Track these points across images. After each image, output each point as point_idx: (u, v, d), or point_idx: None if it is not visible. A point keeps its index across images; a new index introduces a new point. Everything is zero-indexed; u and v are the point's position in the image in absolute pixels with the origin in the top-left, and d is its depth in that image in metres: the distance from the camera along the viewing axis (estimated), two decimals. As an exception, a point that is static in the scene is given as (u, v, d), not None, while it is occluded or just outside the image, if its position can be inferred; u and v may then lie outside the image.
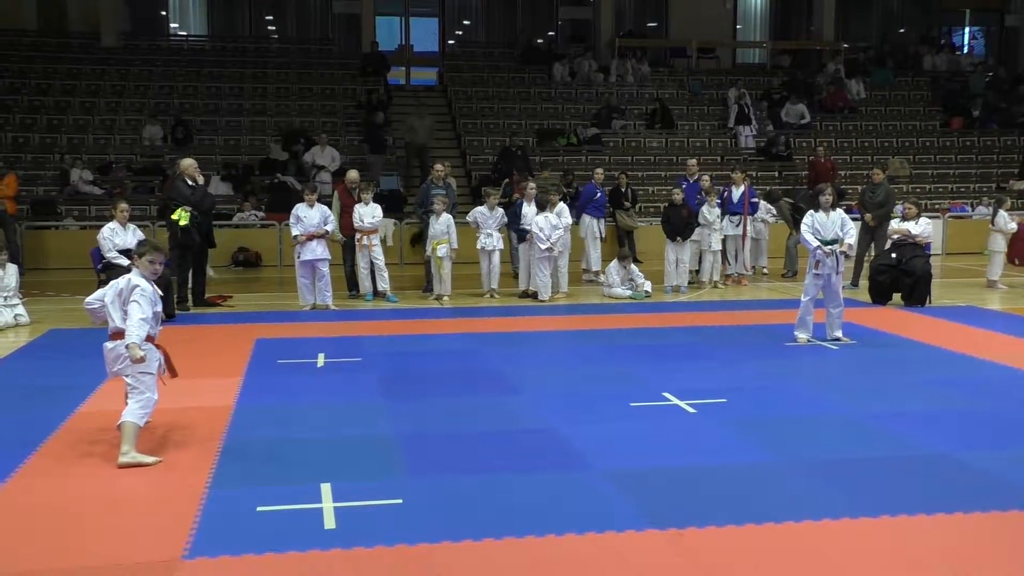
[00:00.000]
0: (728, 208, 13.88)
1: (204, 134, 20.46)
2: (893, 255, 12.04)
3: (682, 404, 7.04)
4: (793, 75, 24.69)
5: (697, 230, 13.48)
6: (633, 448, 6.01)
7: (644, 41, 26.05)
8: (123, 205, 10.98)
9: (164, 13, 25.43)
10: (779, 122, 22.72)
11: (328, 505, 4.92)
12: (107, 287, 5.93)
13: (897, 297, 12.05)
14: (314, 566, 4.25)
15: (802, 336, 9.48)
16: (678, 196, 13.37)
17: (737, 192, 14.09)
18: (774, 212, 15.44)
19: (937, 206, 20.04)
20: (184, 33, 25.62)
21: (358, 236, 12.25)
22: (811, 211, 9.66)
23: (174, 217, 11.33)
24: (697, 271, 14.03)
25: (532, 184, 13.20)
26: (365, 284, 12.46)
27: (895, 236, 12.17)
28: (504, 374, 8.14)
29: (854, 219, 10.30)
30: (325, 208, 11.95)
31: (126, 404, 5.78)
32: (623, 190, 16.22)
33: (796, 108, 22.78)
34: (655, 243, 15.00)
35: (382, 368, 8.37)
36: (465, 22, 27.14)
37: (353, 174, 12.83)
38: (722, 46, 26.78)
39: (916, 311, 11.54)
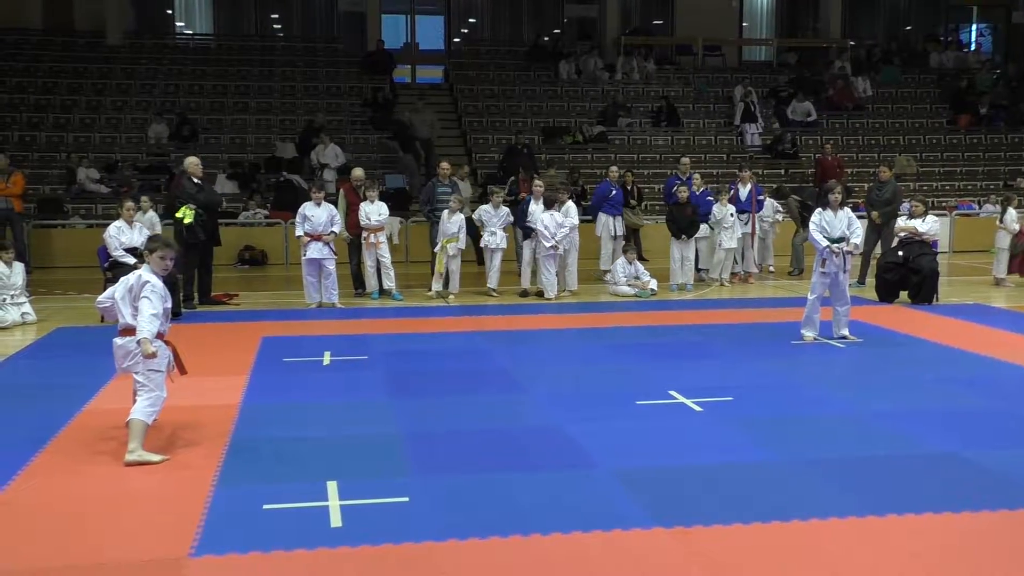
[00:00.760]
0: (736, 206, 13.86)
1: (210, 132, 20.48)
2: (900, 253, 12.01)
3: (688, 402, 7.03)
4: (799, 73, 24.64)
5: (703, 228, 13.47)
6: (639, 446, 6.00)
7: (650, 39, 25.99)
8: (129, 204, 10.99)
9: (170, 12, 25.43)
10: (785, 120, 22.67)
11: (334, 503, 4.92)
12: (117, 284, 5.94)
13: (904, 295, 12.02)
14: (321, 564, 4.25)
15: (809, 334, 9.46)
16: (683, 194, 13.36)
17: (744, 190, 14.07)
18: (780, 209, 15.41)
19: (944, 204, 19.99)
20: (190, 32, 25.63)
21: (365, 234, 12.26)
22: (819, 209, 9.64)
23: (178, 215, 11.35)
24: (706, 269, 14.02)
25: (539, 182, 13.19)
26: (372, 282, 12.47)
27: (902, 234, 12.14)
28: (510, 372, 8.13)
29: (860, 217, 10.28)
30: (332, 207, 11.96)
31: (134, 401, 5.78)
32: (628, 188, 16.17)
33: (803, 106, 22.74)
34: (660, 241, 14.98)
35: (388, 366, 8.38)
36: (471, 20, 27.12)
37: (358, 172, 12.84)
38: (728, 44, 26.71)
39: (923, 309, 11.51)
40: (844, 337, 9.47)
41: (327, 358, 8.70)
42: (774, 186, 17.38)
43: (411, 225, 17.11)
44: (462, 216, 12.48)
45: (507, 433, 6.34)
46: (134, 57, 22.45)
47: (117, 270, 10.49)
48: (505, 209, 12.94)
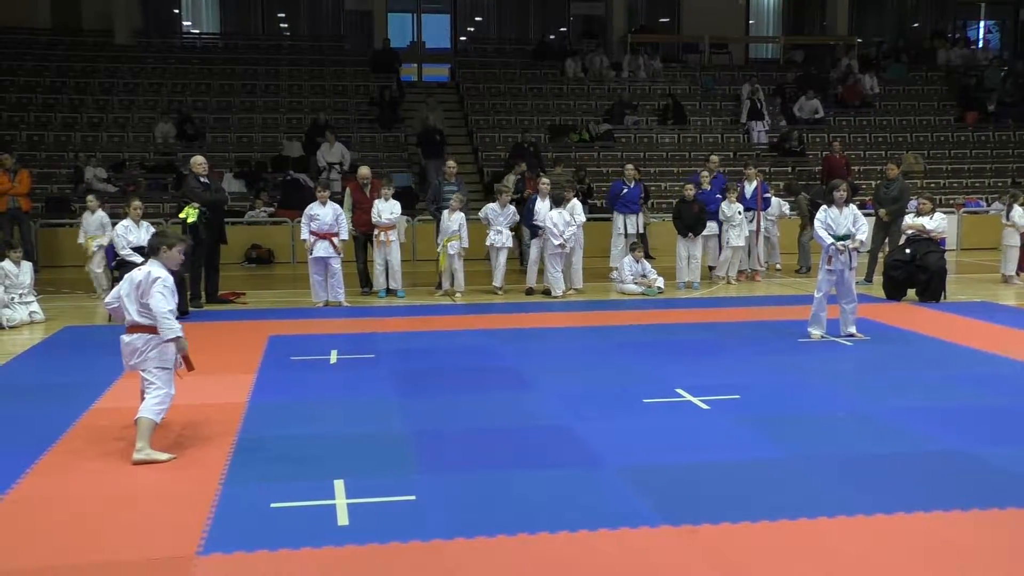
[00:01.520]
0: (742, 204, 13.84)
1: (216, 131, 20.52)
2: (907, 251, 11.98)
3: (695, 400, 7.02)
4: (807, 70, 24.58)
5: (712, 226, 13.45)
6: (646, 444, 5.99)
7: (656, 36, 25.98)
8: (136, 203, 11.02)
9: (177, 11, 25.49)
10: (792, 117, 22.63)
11: (341, 501, 4.93)
12: (122, 281, 5.93)
13: (911, 293, 11.99)
14: (328, 562, 4.26)
15: (816, 332, 9.45)
16: (690, 192, 13.34)
17: (750, 188, 14.05)
18: (784, 205, 15.37)
19: (952, 201, 19.93)
20: (197, 31, 25.69)
21: (376, 232, 12.28)
22: (824, 206, 9.62)
23: (182, 215, 11.38)
24: (712, 267, 14.01)
25: (545, 180, 13.19)
26: (380, 280, 12.49)
27: (909, 232, 12.11)
28: (517, 370, 8.13)
29: (868, 215, 10.25)
30: (337, 207, 11.97)
31: (142, 399, 5.79)
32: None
33: (810, 103, 22.70)
34: (667, 239, 14.97)
35: (395, 364, 8.38)
36: (477, 18, 27.13)
37: (364, 170, 12.85)
38: (735, 41, 26.68)
39: (931, 307, 11.48)
40: (851, 335, 9.46)
41: (334, 357, 8.71)
42: (779, 185, 17.35)
43: (417, 224, 17.12)
44: (462, 215, 12.49)
45: (514, 431, 6.34)
46: (141, 57, 22.52)
47: (124, 269, 10.52)
48: (511, 208, 12.94)
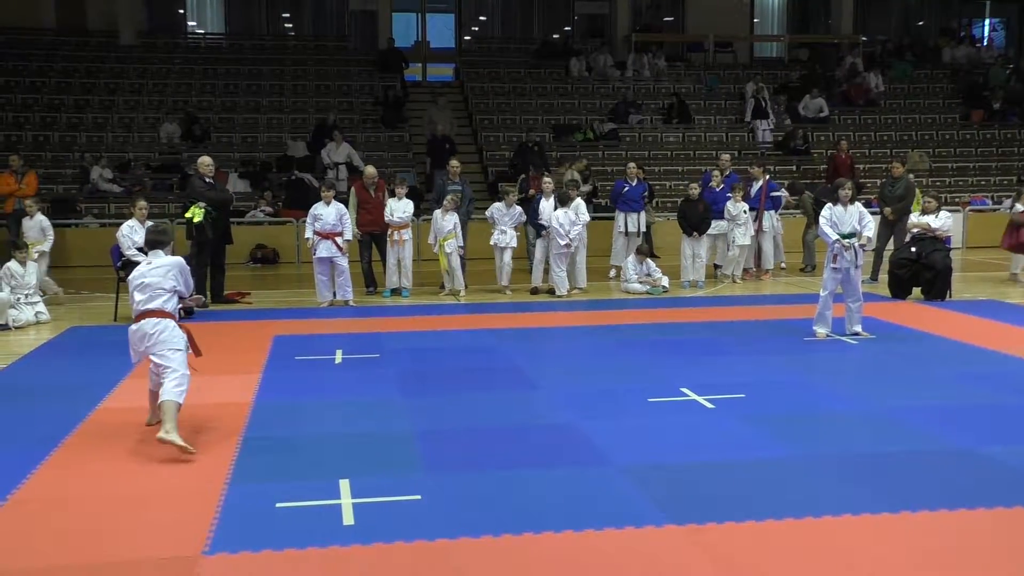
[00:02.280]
0: (748, 203, 13.82)
1: (222, 131, 20.54)
2: (913, 249, 11.96)
3: (700, 399, 7.02)
4: (811, 69, 24.55)
5: (721, 225, 13.45)
6: (651, 443, 6.00)
7: (661, 36, 25.96)
8: (142, 203, 11.02)
9: (182, 11, 25.52)
10: (797, 116, 22.60)
11: (347, 501, 4.94)
12: (134, 278, 6.05)
13: (917, 291, 11.97)
14: (333, 562, 4.27)
15: (821, 331, 9.44)
16: (694, 191, 13.33)
17: (755, 187, 14.02)
18: (786, 201, 15.32)
19: (957, 199, 19.89)
20: (202, 31, 25.72)
21: (389, 231, 12.30)
22: (829, 204, 9.61)
23: (188, 215, 11.39)
24: (719, 266, 14.00)
25: (549, 179, 13.18)
26: (392, 279, 12.49)
27: (915, 230, 12.09)
28: (521, 369, 8.14)
29: (873, 213, 10.23)
30: (341, 206, 11.97)
31: (153, 388, 5.98)
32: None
33: (814, 102, 22.67)
34: (672, 238, 14.96)
35: (400, 364, 8.39)
36: (481, 18, 27.13)
37: (371, 170, 12.86)
38: (739, 40, 26.64)
39: (936, 305, 11.47)
40: (857, 333, 9.45)
41: (339, 356, 8.72)
42: (783, 183, 17.30)
43: (421, 223, 17.12)
44: (456, 215, 12.49)
45: (519, 431, 6.34)
46: (146, 57, 22.54)
47: (129, 269, 10.53)
48: (518, 208, 12.93)
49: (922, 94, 24.36)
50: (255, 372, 8.02)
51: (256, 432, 6.27)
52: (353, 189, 12.91)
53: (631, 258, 13.10)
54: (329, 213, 11.75)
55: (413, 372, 8.09)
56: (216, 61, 22.96)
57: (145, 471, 5.50)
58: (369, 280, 12.78)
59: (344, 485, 5.15)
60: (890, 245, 13.26)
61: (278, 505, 4.90)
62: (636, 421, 6.53)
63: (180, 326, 6.03)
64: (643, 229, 14.13)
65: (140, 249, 10.50)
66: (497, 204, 13.05)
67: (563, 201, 12.53)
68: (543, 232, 12.58)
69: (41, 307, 10.85)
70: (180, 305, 6.19)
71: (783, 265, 15.17)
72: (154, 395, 6.16)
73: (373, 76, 22.69)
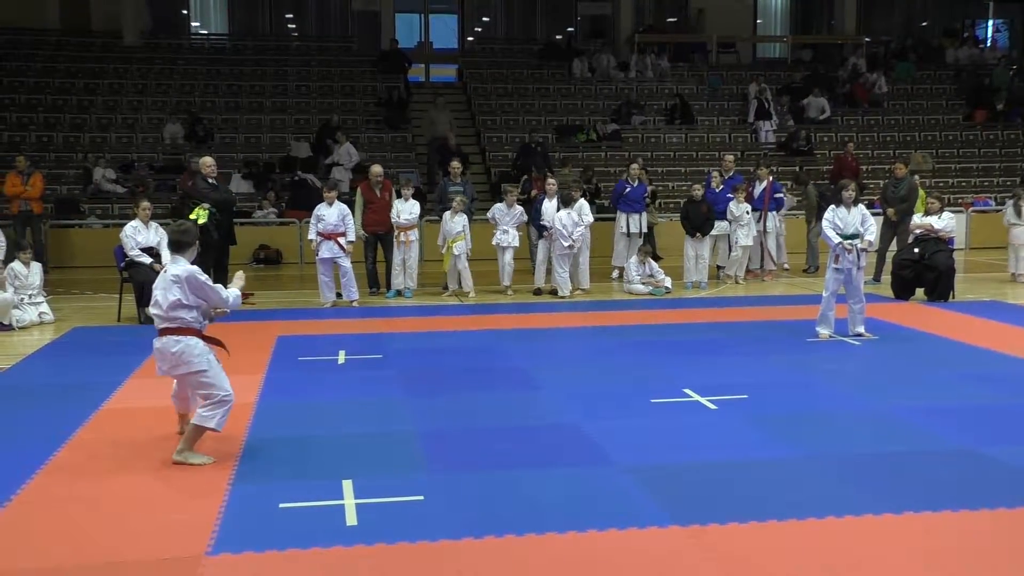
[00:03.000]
0: (752, 204, 13.82)
1: (225, 132, 20.56)
2: (916, 250, 11.96)
3: (703, 400, 7.02)
4: (814, 69, 24.54)
5: (723, 225, 13.45)
6: (654, 444, 6.00)
7: (663, 36, 25.95)
8: (145, 203, 11.04)
9: (185, 12, 25.56)
10: (800, 117, 22.59)
11: (350, 502, 4.94)
12: (164, 289, 5.66)
13: (920, 292, 11.96)
14: (336, 562, 4.27)
15: (824, 332, 9.43)
16: (698, 192, 13.33)
17: (759, 187, 14.01)
18: (788, 197, 15.29)
19: (960, 200, 19.88)
20: (205, 32, 25.76)
21: (396, 232, 12.32)
22: (832, 206, 9.61)
23: (192, 216, 11.38)
24: (721, 267, 14.00)
25: (552, 180, 13.19)
26: (397, 280, 12.51)
27: (918, 231, 12.08)
28: (524, 370, 8.14)
29: (875, 214, 10.22)
30: (344, 207, 11.99)
31: (184, 407, 5.92)
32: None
33: (817, 102, 22.66)
34: (675, 239, 14.96)
35: (403, 365, 8.40)
36: (484, 19, 27.14)
37: (377, 168, 12.88)
38: (742, 41, 26.64)
39: (939, 306, 11.46)
40: (859, 334, 9.44)
41: (342, 357, 8.73)
42: (794, 172, 17.26)
43: (425, 224, 17.12)
44: (464, 216, 12.51)
45: (522, 431, 6.35)
46: (150, 57, 22.59)
47: (133, 270, 10.56)
48: (519, 208, 12.93)
49: (925, 95, 24.35)
50: (258, 373, 8.03)
51: (259, 433, 6.28)
52: (359, 189, 12.93)
53: (633, 259, 13.10)
54: (331, 214, 11.76)
55: (416, 373, 8.10)
56: (219, 62, 22.99)
57: (148, 471, 5.51)
58: (372, 281, 12.79)
59: (347, 486, 5.15)
60: (893, 246, 13.25)
61: (281, 506, 4.91)
62: (639, 422, 6.53)
63: (204, 338, 5.73)
64: (644, 230, 14.12)
65: (144, 249, 10.55)
66: (499, 205, 13.05)
67: (566, 202, 12.53)
68: (545, 233, 12.59)
69: (45, 307, 10.86)
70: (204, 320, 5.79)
71: (786, 266, 15.16)
72: (182, 416, 6.04)
73: (376, 77, 22.71)
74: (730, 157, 15.16)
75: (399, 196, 12.49)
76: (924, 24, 28.83)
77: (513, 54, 25.00)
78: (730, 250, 13.82)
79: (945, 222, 11.98)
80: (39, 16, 22.82)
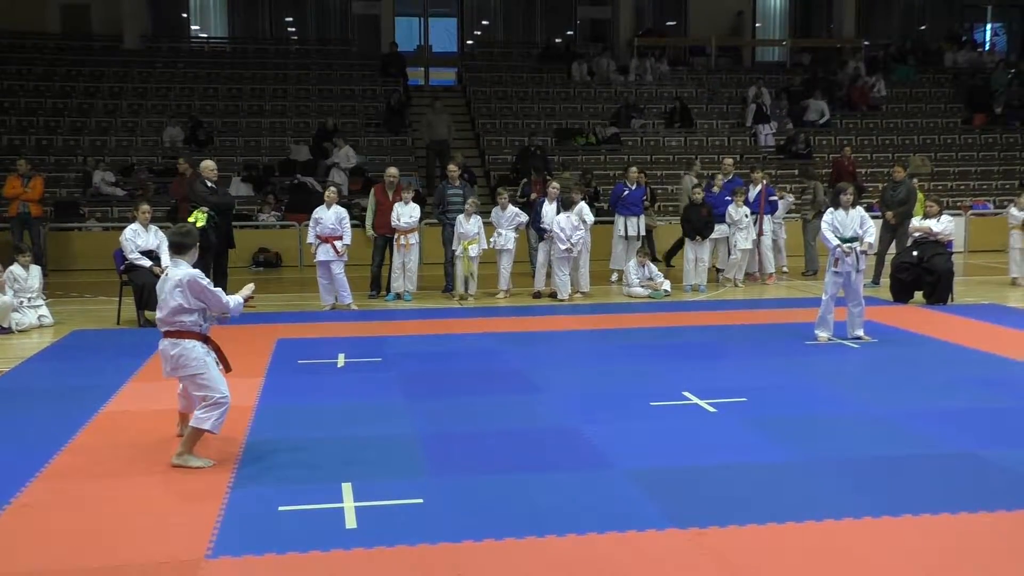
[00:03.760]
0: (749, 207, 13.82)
1: (224, 135, 20.58)
2: (915, 253, 11.97)
3: (702, 403, 7.03)
4: (813, 73, 24.58)
5: (723, 228, 13.46)
6: (654, 447, 6.00)
7: (663, 40, 25.99)
8: (145, 207, 11.05)
9: (185, 16, 25.59)
10: (799, 120, 22.62)
11: (349, 505, 4.94)
12: (168, 285, 5.66)
13: (919, 295, 11.97)
14: (336, 566, 4.27)
15: (823, 335, 9.44)
16: (698, 195, 13.34)
17: (754, 191, 14.02)
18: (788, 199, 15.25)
19: (959, 203, 19.90)
20: (205, 35, 25.78)
21: (396, 235, 12.33)
22: (831, 209, 9.63)
23: (191, 219, 11.39)
24: (721, 269, 14.01)
25: (555, 183, 13.19)
26: (397, 283, 12.52)
27: (916, 234, 12.10)
28: (524, 373, 8.14)
29: (874, 217, 10.23)
30: (342, 210, 12.00)
31: (187, 407, 5.90)
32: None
33: (817, 105, 22.69)
34: (674, 242, 14.97)
35: (402, 368, 8.40)
36: (484, 22, 27.17)
37: (392, 170, 12.90)
38: (741, 44, 26.67)
39: (938, 309, 11.47)
40: (858, 337, 9.45)
41: (341, 360, 8.73)
42: (789, 187, 17.29)
43: (423, 227, 17.13)
44: (479, 218, 12.54)
45: (522, 434, 6.35)
46: (150, 61, 22.62)
47: (133, 273, 10.57)
48: (514, 210, 12.93)
49: (924, 98, 24.39)
50: (258, 376, 8.03)
51: (259, 436, 6.28)
52: (373, 190, 12.95)
53: (632, 262, 13.11)
54: (329, 217, 11.78)
55: (415, 376, 8.10)
56: (219, 65, 23.02)
57: (148, 474, 5.51)
58: (375, 283, 12.79)
59: (346, 489, 5.16)
60: (892, 249, 13.26)
61: (280, 509, 4.91)
62: (638, 425, 6.53)
63: (207, 342, 5.75)
64: (643, 233, 14.13)
65: (144, 253, 10.55)
66: (496, 208, 13.07)
67: (566, 205, 12.53)
68: (545, 236, 12.60)
69: (44, 310, 10.87)
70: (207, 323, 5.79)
71: (785, 269, 15.18)
72: (183, 415, 6.08)
73: (376, 80, 22.72)
74: (729, 160, 15.16)
75: (396, 199, 12.49)
76: (923, 28, 28.87)
77: (512, 57, 25.05)
78: (729, 253, 13.83)
79: (944, 225, 12.00)
80: (40, 20, 22.87)
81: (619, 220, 14.10)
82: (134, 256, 10.57)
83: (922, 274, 11.84)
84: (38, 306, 10.84)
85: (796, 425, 6.49)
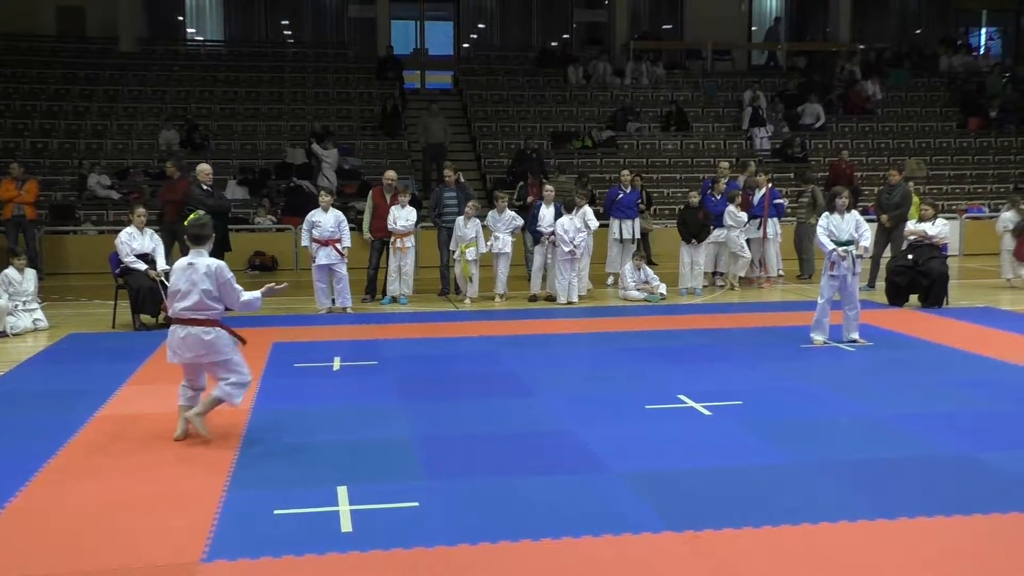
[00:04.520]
0: (750, 211, 13.83)
1: (220, 138, 20.57)
2: (910, 256, 11.99)
3: (698, 406, 7.03)
4: (809, 77, 24.62)
5: (722, 232, 13.47)
6: (649, 450, 6.01)
7: (659, 43, 26.03)
8: (140, 210, 11.04)
9: (181, 18, 25.58)
10: (795, 124, 22.66)
11: (345, 508, 4.94)
12: (177, 275, 6.11)
13: (914, 299, 12.00)
14: (331, 569, 4.27)
15: (818, 338, 9.46)
16: (694, 198, 13.35)
17: (758, 194, 14.02)
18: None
19: (954, 207, 19.94)
20: (201, 38, 25.77)
21: (392, 239, 12.34)
22: (827, 213, 9.64)
23: (187, 223, 11.36)
24: (719, 273, 14.01)
25: (550, 187, 13.20)
26: (393, 286, 12.52)
27: (912, 237, 12.12)
28: (520, 376, 8.15)
29: (870, 221, 10.24)
30: (339, 213, 12.01)
31: (192, 399, 6.22)
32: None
33: (813, 108, 22.74)
34: (670, 245, 14.97)
35: (398, 371, 8.40)
36: (480, 25, 27.19)
37: (391, 173, 12.90)
38: (737, 48, 26.72)
39: (933, 312, 11.49)
40: (854, 340, 9.47)
41: (337, 363, 8.73)
42: (785, 190, 17.29)
43: (419, 231, 17.14)
44: (478, 221, 12.55)
45: (517, 437, 6.35)
46: (146, 64, 22.60)
47: (128, 276, 10.56)
48: (511, 213, 12.94)
49: (919, 102, 24.44)
50: (254, 379, 8.00)
51: (254, 439, 6.27)
52: (371, 193, 12.95)
53: (628, 265, 13.12)
54: (327, 220, 11.77)
55: (411, 379, 8.10)
56: (215, 68, 23.01)
57: (143, 478, 5.51)
58: (371, 287, 12.79)
59: (342, 492, 5.16)
60: (887, 252, 13.28)
61: (276, 512, 4.91)
62: (634, 428, 6.54)
63: (222, 327, 6.16)
64: (637, 236, 14.15)
65: (139, 256, 10.54)
66: (492, 212, 13.07)
67: (568, 208, 12.50)
68: (542, 239, 12.60)
69: (39, 314, 10.85)
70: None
71: (780, 272, 15.18)
72: (186, 409, 6.22)
73: (372, 84, 22.73)
74: (725, 164, 15.18)
75: (394, 202, 12.50)
76: (918, 32, 28.94)
77: (509, 61, 25.05)
78: (728, 256, 13.83)
79: (939, 229, 12.02)
80: (35, 22, 22.83)
81: (614, 223, 14.12)
82: (129, 259, 10.55)
83: (917, 277, 11.87)
84: (33, 310, 10.83)
85: (791, 428, 6.49)
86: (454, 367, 8.63)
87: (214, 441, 6.18)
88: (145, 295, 10.42)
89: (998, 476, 5.48)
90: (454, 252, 12.64)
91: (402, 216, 12.35)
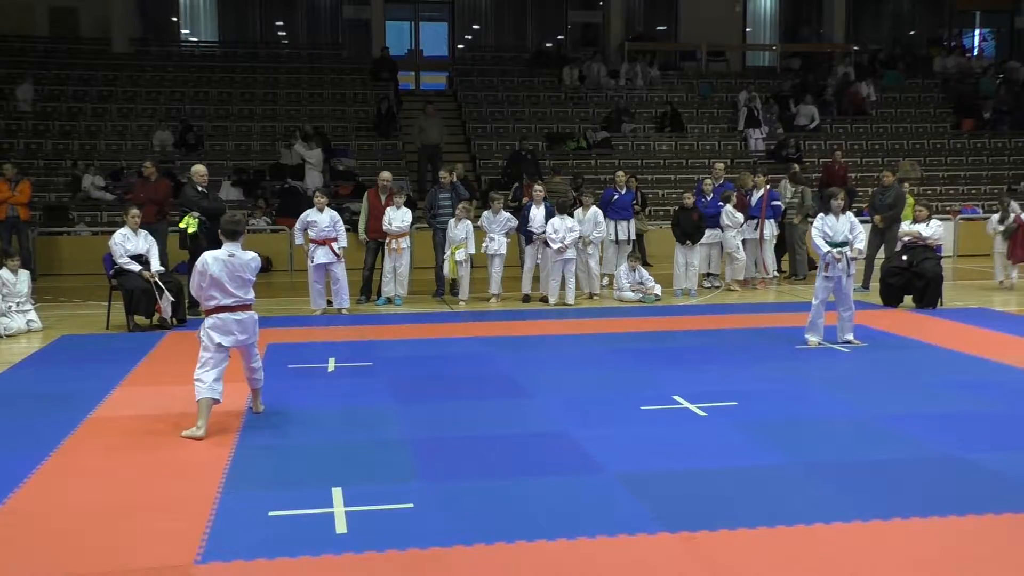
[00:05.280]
0: (747, 212, 13.83)
1: (215, 139, 20.54)
2: (904, 257, 12.01)
3: (693, 407, 7.03)
4: (804, 78, 24.66)
5: (718, 234, 13.47)
6: (644, 451, 6.00)
7: (654, 44, 26.05)
8: (134, 211, 11.01)
9: (175, 19, 25.53)
10: (789, 125, 22.69)
11: (339, 510, 4.94)
12: (208, 265, 6.42)
13: (908, 299, 12.02)
14: (326, 571, 4.27)
15: (813, 339, 9.46)
16: (689, 199, 13.35)
17: (756, 196, 14.02)
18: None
19: (948, 208, 19.98)
20: (195, 39, 25.73)
21: (387, 239, 12.33)
22: (821, 214, 9.65)
23: (182, 225, 11.35)
24: (713, 274, 14.01)
25: (539, 187, 13.19)
26: (388, 287, 12.51)
27: (906, 238, 12.14)
28: (515, 378, 8.14)
29: (864, 222, 10.25)
30: (335, 213, 11.99)
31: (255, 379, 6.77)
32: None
33: (807, 109, 22.77)
34: (665, 246, 14.98)
35: (393, 372, 8.39)
36: (475, 26, 27.19)
37: (386, 174, 12.90)
38: (732, 49, 26.75)
39: (927, 313, 11.51)
40: (848, 341, 9.48)
41: (332, 364, 8.72)
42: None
43: (414, 232, 17.12)
44: (469, 223, 12.54)
45: (512, 439, 6.35)
46: (139, 65, 22.56)
47: (122, 277, 10.54)
48: (506, 214, 12.93)
49: (913, 103, 24.49)
50: (248, 380, 8.00)
51: (249, 440, 6.26)
52: (367, 194, 12.94)
53: (623, 266, 13.12)
54: (323, 219, 11.75)
55: (406, 380, 8.09)
56: (209, 69, 22.98)
57: (137, 480, 5.49)
58: (366, 288, 12.78)
59: (337, 493, 5.15)
60: (881, 253, 13.30)
61: (271, 514, 4.90)
62: (629, 429, 6.54)
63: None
64: (633, 237, 14.15)
65: (133, 257, 10.52)
66: (486, 212, 13.07)
67: (561, 209, 12.47)
68: (534, 239, 12.60)
69: (33, 315, 10.83)
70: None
71: (775, 273, 15.18)
72: (210, 403, 6.39)
73: (367, 85, 22.71)
74: (720, 165, 15.18)
75: (389, 203, 12.49)
76: (912, 33, 29.00)
77: (503, 62, 25.06)
78: (722, 258, 13.83)
79: (933, 230, 12.05)
80: (28, 23, 22.78)
81: (609, 224, 14.11)
82: (123, 261, 10.53)
83: (912, 278, 11.89)
84: (27, 311, 10.80)
85: (786, 429, 6.50)
86: (449, 368, 8.63)
87: (208, 442, 6.17)
88: (139, 296, 10.40)
89: (992, 477, 5.48)
90: (445, 253, 12.64)
91: (397, 217, 12.35)
